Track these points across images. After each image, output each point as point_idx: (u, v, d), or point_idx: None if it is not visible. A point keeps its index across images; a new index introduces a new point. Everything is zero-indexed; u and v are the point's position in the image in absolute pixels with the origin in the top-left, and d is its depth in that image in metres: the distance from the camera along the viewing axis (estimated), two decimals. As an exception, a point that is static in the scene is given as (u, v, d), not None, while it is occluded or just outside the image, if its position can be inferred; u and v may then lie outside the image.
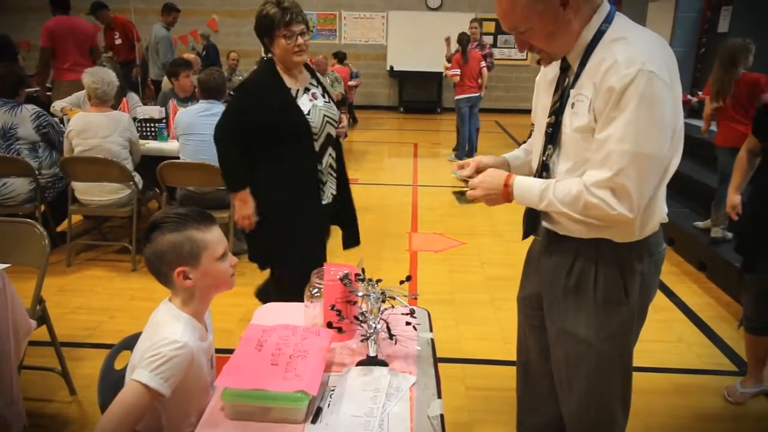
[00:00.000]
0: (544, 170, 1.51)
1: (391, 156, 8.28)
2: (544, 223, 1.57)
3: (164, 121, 4.46)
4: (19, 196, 3.81)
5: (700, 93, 7.00)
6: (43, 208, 3.99)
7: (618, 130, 1.29)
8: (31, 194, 3.86)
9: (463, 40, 7.26)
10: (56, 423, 2.37)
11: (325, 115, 2.48)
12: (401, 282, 1.52)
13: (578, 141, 1.40)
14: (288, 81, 2.45)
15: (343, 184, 2.70)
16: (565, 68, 1.47)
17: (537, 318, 1.71)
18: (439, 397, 1.37)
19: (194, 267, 1.39)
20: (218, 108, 3.80)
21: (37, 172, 3.83)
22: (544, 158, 1.51)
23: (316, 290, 1.59)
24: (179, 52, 8.42)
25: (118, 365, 1.55)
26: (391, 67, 12.28)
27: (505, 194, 1.50)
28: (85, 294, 3.57)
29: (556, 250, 1.56)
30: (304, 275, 1.66)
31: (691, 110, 7.07)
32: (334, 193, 2.63)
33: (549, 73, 1.56)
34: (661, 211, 1.48)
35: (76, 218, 4.27)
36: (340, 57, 9.75)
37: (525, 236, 1.65)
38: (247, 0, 12.44)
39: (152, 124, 4.46)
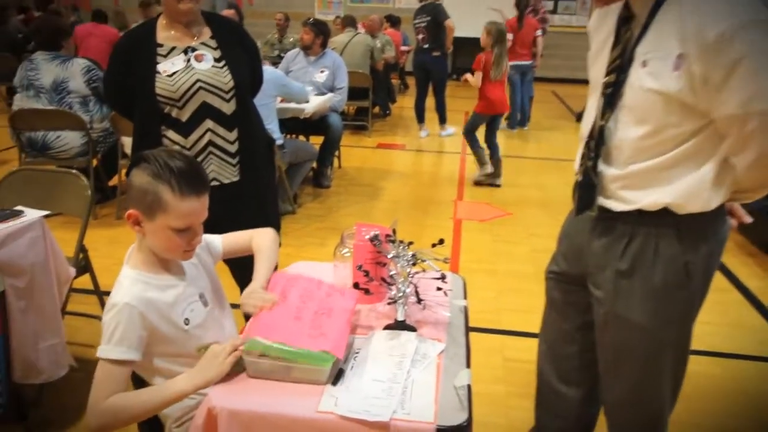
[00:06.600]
0: (599, 136, 1.34)
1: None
2: (600, 198, 1.39)
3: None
4: (71, 150, 3.89)
5: None
6: (95, 162, 4.07)
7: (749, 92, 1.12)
8: (83, 148, 3.93)
9: (521, 3, 6.98)
10: (97, 368, 2.44)
11: (198, 80, 1.99)
12: (433, 245, 1.45)
13: (657, 104, 1.22)
14: (164, 36, 2.04)
15: (247, 168, 2.15)
16: (627, 17, 1.29)
17: (572, 294, 1.57)
18: (468, 366, 1.31)
19: (148, 219, 1.30)
20: None
21: (88, 126, 3.90)
22: (603, 122, 1.33)
23: (345, 251, 1.54)
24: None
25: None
26: (445, 33, 11.99)
27: None
28: (132, 247, 3.65)
29: (608, 229, 1.39)
30: None
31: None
32: (220, 177, 2.11)
33: (604, 25, 1.38)
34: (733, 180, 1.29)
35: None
36: (394, 21, 9.55)
37: (579, 212, 1.46)
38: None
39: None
